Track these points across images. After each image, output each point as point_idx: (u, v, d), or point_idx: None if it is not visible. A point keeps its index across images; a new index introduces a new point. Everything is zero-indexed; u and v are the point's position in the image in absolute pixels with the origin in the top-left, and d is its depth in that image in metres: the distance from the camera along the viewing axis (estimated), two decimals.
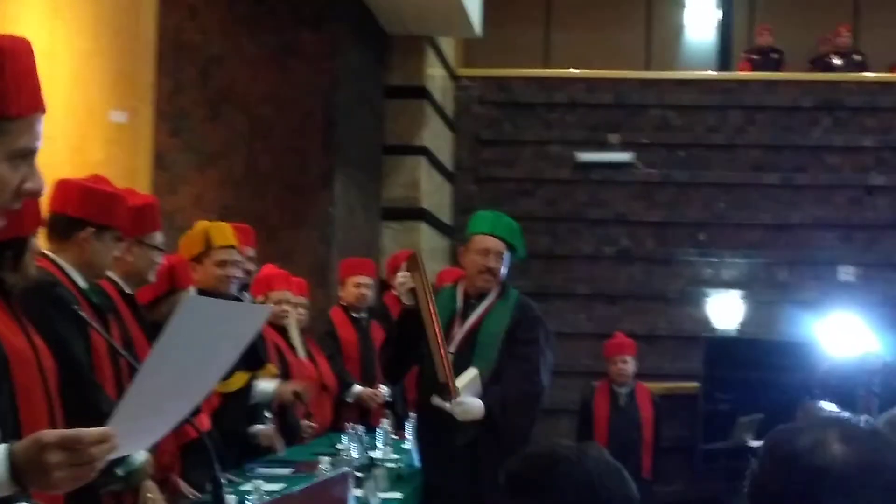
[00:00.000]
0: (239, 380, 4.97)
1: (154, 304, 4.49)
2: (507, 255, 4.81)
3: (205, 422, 4.18)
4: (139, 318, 4.10)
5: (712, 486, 9.80)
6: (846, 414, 7.76)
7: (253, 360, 4.95)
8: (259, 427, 5.20)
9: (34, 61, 2.02)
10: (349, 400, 6.82)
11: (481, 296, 4.81)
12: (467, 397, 4.55)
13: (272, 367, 5.27)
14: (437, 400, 4.55)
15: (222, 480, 2.09)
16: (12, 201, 1.98)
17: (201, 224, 5.24)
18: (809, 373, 9.49)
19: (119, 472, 3.52)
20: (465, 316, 4.79)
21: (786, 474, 1.62)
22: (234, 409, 4.97)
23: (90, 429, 1.87)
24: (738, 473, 7.98)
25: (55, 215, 3.64)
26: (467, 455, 4.55)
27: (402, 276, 7.64)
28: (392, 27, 10.08)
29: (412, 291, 4.53)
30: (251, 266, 5.57)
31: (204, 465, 3.97)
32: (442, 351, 4.47)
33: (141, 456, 3.57)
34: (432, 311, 4.48)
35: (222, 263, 4.99)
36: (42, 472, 1.88)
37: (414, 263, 4.55)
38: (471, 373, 4.63)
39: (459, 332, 4.75)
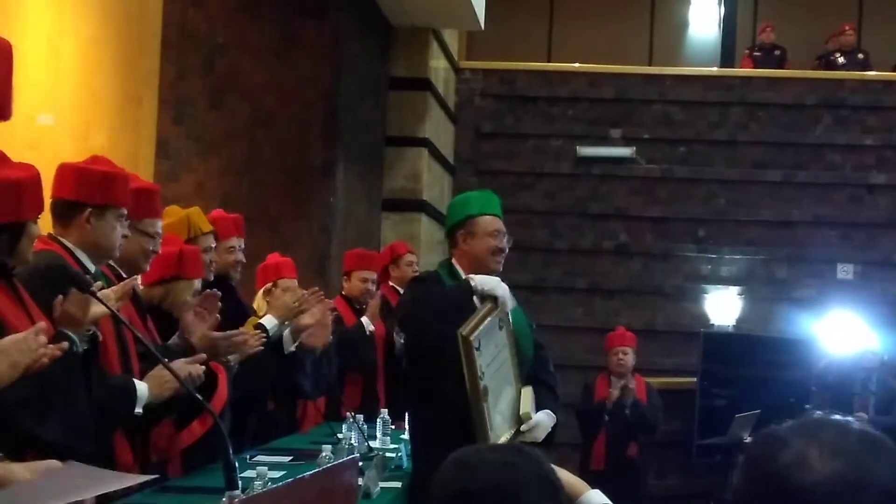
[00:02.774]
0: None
1: (154, 285, 4.48)
2: None
3: (222, 397, 4.17)
4: (136, 302, 4.09)
5: (708, 481, 9.83)
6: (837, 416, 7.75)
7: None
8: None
9: (10, 67, 2.00)
10: (371, 329, 6.82)
11: None
12: (536, 415, 4.28)
13: (253, 319, 5.19)
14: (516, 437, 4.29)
15: (235, 464, 2.11)
16: None
17: (179, 212, 5.12)
18: (807, 370, 9.54)
19: (138, 410, 3.57)
20: None
21: (766, 492, 1.55)
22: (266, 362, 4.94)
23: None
24: (733, 469, 8.02)
25: (56, 200, 3.65)
26: None
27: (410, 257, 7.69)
28: (396, 18, 10.09)
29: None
30: (242, 257, 5.52)
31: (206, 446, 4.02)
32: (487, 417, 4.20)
33: (142, 388, 3.60)
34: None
35: (207, 250, 4.97)
36: None
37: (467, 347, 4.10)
38: (528, 393, 4.36)
39: None
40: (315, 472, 2.02)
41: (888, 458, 1.55)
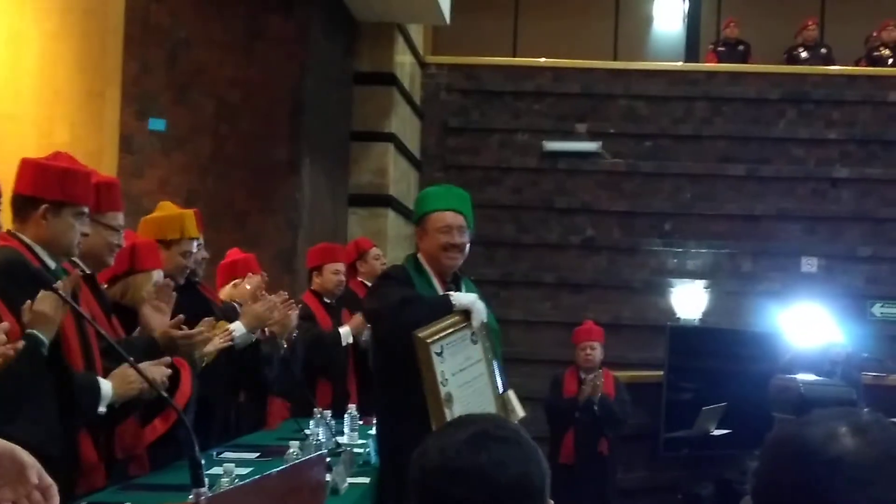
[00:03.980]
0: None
1: (110, 284, 4.44)
2: (466, 229, 4.52)
3: (186, 393, 4.15)
4: (99, 299, 4.05)
5: (674, 473, 9.88)
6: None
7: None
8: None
9: None
10: (349, 341, 6.81)
11: (454, 279, 4.57)
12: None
13: (223, 323, 5.18)
14: None
15: (201, 461, 2.08)
16: None
17: (173, 209, 5.16)
18: (772, 363, 9.57)
19: (101, 409, 3.53)
20: None
21: (798, 468, 1.59)
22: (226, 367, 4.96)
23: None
24: (700, 461, 8.06)
25: (15, 196, 3.61)
26: None
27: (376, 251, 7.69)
28: (361, 13, 10.05)
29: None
30: (205, 253, 5.50)
31: (172, 443, 3.99)
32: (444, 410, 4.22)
33: (106, 385, 3.56)
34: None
35: (187, 254, 5.00)
36: None
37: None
38: (511, 396, 4.43)
39: None
40: (283, 469, 2.01)
41: None
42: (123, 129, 8.19)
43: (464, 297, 4.36)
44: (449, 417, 4.09)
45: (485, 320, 4.38)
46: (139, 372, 2.75)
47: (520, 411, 4.34)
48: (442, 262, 4.49)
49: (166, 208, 5.18)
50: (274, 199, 8.50)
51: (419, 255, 4.57)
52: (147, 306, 4.23)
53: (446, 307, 4.31)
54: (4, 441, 1.96)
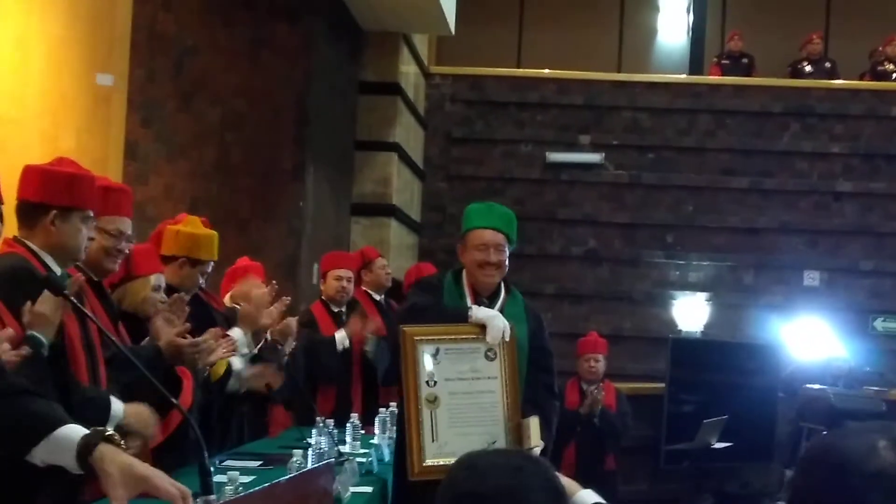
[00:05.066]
0: (220, 367, 4.94)
1: (110, 290, 4.45)
2: (507, 246, 4.67)
3: (187, 402, 4.15)
4: (107, 306, 4.06)
5: (675, 486, 9.86)
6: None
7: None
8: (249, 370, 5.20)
9: None
10: (345, 345, 6.81)
11: (491, 295, 4.64)
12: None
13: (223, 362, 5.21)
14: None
15: (210, 468, 2.09)
16: None
17: (199, 226, 5.25)
18: (774, 376, 9.58)
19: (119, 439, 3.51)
20: None
21: (837, 481, 1.59)
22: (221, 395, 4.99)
23: None
24: (701, 474, 8.02)
25: (21, 202, 3.61)
26: None
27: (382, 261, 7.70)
28: (367, 23, 10.07)
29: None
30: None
31: (181, 451, 3.99)
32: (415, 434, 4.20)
33: (118, 407, 3.55)
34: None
35: (206, 274, 5.25)
36: None
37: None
38: (535, 423, 4.37)
39: None
40: (291, 477, 2.01)
41: None
42: (129, 136, 8.20)
43: (482, 312, 4.41)
44: (428, 418, 4.19)
45: (506, 338, 4.39)
46: (150, 377, 2.74)
47: (535, 440, 4.29)
48: (478, 279, 4.61)
49: (194, 224, 5.22)
50: (278, 207, 8.51)
51: (464, 270, 4.68)
52: (159, 318, 4.24)
53: (461, 319, 4.39)
54: (124, 457, 2.01)
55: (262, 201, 8.49)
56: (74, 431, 2.42)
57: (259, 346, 5.36)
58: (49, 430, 2.42)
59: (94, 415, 3.47)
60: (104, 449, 2.34)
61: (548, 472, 1.98)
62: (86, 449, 2.35)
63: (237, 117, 8.51)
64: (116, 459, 2.31)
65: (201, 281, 5.21)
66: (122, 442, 2.42)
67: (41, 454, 2.43)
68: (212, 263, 5.25)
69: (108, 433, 2.39)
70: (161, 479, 2.22)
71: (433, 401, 4.21)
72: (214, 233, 5.27)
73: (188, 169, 8.44)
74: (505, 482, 1.90)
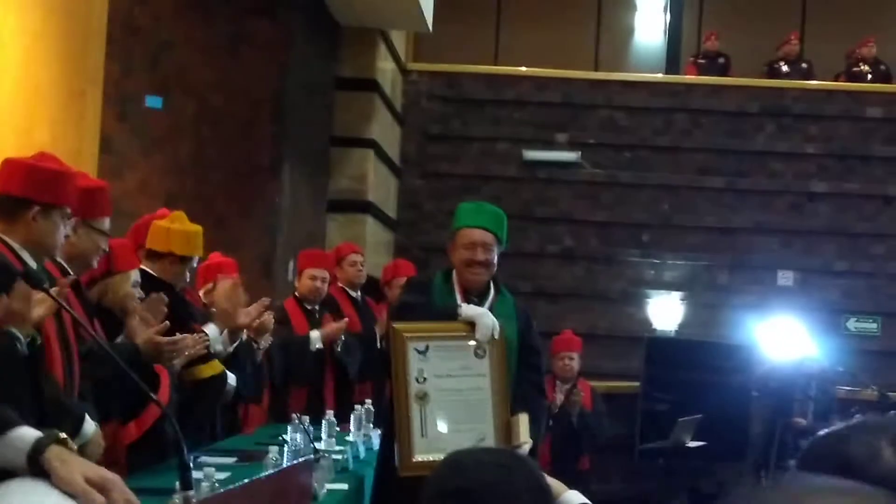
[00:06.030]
0: (214, 367, 4.94)
1: (89, 286, 4.44)
2: (496, 245, 4.68)
3: (164, 400, 4.13)
4: (83, 303, 4.04)
5: (650, 485, 9.88)
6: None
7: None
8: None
9: None
10: (318, 346, 6.79)
11: (481, 294, 4.65)
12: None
13: (217, 364, 5.19)
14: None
15: (189, 463, 2.07)
16: None
17: (187, 222, 5.26)
18: (748, 375, 9.61)
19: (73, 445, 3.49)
20: None
21: None
22: (206, 396, 4.97)
23: None
24: (675, 473, 8.04)
25: (1, 196, 3.59)
26: None
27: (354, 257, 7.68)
28: (344, 18, 10.05)
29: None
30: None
31: (155, 448, 3.97)
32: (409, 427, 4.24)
33: (90, 427, 3.53)
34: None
35: (192, 270, 5.35)
36: None
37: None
38: (524, 420, 4.40)
39: None
40: (271, 474, 2.00)
41: None
42: (104, 130, 8.14)
43: (471, 310, 4.45)
44: (418, 414, 4.21)
45: (495, 336, 4.42)
46: (125, 369, 2.72)
47: (523, 438, 4.33)
48: (465, 277, 4.64)
49: (182, 220, 5.23)
50: (253, 204, 8.48)
51: (454, 269, 4.71)
52: (135, 318, 4.24)
53: (450, 317, 4.43)
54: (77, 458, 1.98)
55: (237, 197, 8.45)
56: (29, 433, 2.40)
57: (235, 345, 5.34)
58: (1, 431, 2.39)
59: (66, 427, 3.45)
60: (56, 449, 2.33)
61: (534, 471, 1.98)
62: (37, 451, 2.33)
63: (213, 112, 8.48)
64: (69, 459, 2.29)
65: (186, 277, 5.26)
66: (75, 449, 2.40)
67: None
68: (197, 259, 5.29)
69: (61, 437, 2.37)
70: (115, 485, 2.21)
71: (422, 397, 4.26)
72: (200, 228, 5.28)
73: (164, 164, 8.40)
74: (491, 480, 1.90)
